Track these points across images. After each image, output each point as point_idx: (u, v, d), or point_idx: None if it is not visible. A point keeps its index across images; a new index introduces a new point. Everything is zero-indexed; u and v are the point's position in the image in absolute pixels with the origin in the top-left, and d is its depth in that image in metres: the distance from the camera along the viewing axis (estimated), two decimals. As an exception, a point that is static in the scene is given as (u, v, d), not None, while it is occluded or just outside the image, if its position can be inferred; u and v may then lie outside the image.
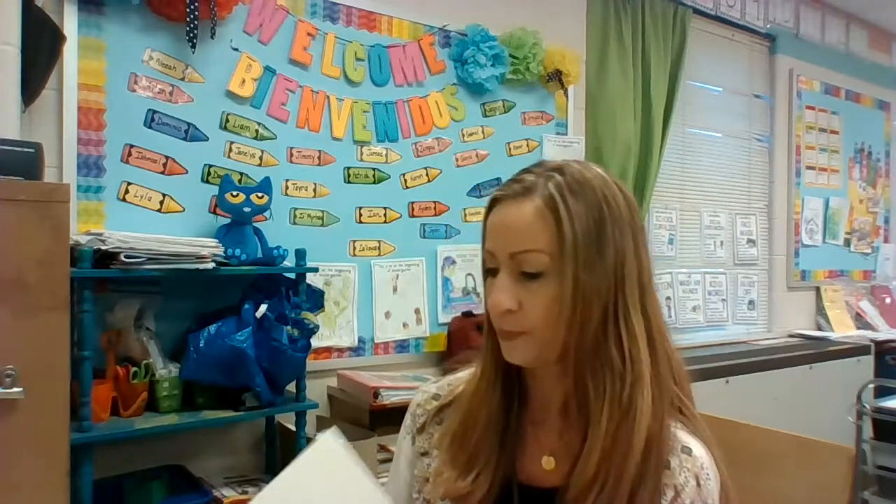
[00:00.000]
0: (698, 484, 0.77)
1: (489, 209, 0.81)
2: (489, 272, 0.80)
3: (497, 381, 0.84)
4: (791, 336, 3.90)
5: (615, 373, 0.75)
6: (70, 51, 1.87)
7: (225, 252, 1.87)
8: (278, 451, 2.11)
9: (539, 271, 0.76)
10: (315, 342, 2.09)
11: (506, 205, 0.79)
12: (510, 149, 2.78)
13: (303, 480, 0.77)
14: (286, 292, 1.94)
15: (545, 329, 0.76)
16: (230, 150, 2.15)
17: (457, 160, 2.63)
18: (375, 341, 2.44)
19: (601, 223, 0.76)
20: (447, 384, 0.94)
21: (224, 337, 1.79)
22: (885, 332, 4.00)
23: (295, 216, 2.27)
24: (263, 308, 1.85)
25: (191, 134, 2.08)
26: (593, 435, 0.75)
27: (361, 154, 2.41)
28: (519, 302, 0.76)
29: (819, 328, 4.08)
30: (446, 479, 0.81)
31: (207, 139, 2.11)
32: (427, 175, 2.56)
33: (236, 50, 2.15)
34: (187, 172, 2.07)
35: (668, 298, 3.42)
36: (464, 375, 0.92)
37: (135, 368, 1.77)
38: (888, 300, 4.41)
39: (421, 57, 2.54)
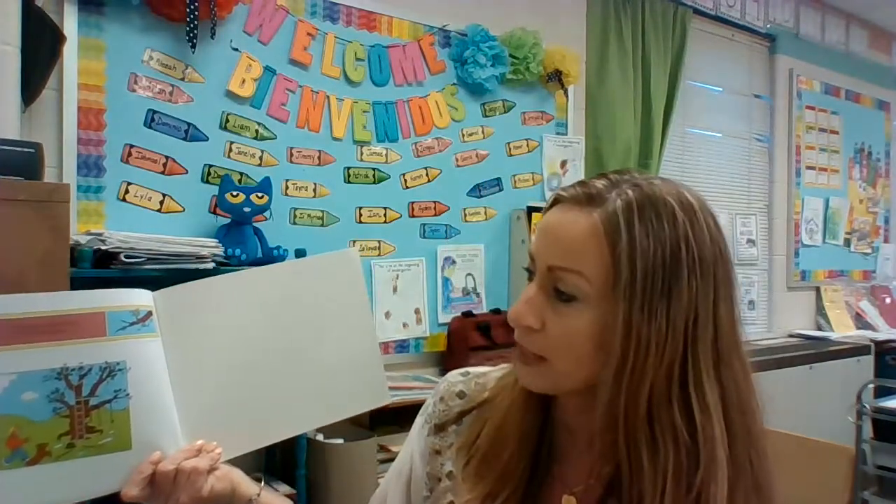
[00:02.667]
0: None
1: (549, 207, 0.70)
2: (529, 274, 0.71)
3: (534, 398, 0.73)
4: (791, 336, 3.90)
5: (680, 446, 0.62)
6: (70, 51, 1.87)
7: (225, 252, 1.87)
8: (278, 450, 2.11)
9: (573, 295, 0.65)
10: (315, 342, 2.09)
11: (563, 209, 0.67)
12: (510, 149, 2.78)
13: (317, 271, 0.90)
14: (286, 292, 1.94)
15: (565, 360, 0.66)
16: (230, 150, 2.15)
17: (457, 160, 2.63)
18: (378, 341, 2.43)
19: (675, 264, 0.62)
20: (474, 382, 0.83)
21: (224, 337, 1.79)
22: (885, 332, 4.00)
23: (295, 216, 2.27)
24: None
25: (191, 134, 2.08)
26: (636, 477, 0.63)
27: (361, 154, 2.41)
28: (543, 321, 0.66)
29: (819, 328, 4.08)
30: (469, 501, 0.73)
31: (207, 139, 2.11)
32: (427, 175, 2.56)
33: (236, 50, 2.15)
34: (187, 172, 2.07)
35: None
36: (494, 374, 0.83)
37: (135, 368, 1.77)
38: (888, 300, 4.41)
39: (421, 57, 2.54)
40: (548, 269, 0.66)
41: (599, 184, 0.67)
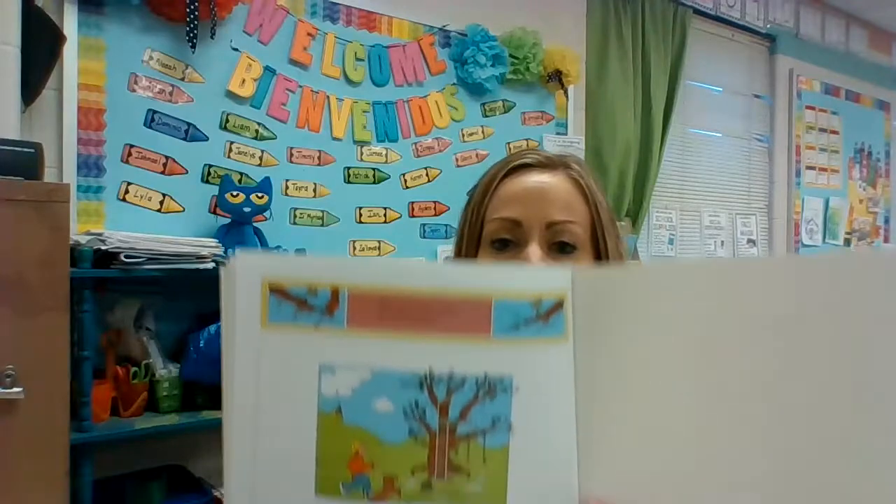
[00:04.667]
0: None
1: (507, 174, 0.74)
2: (497, 244, 0.72)
3: None
4: (791, 336, 3.90)
5: None
6: (70, 51, 1.87)
7: (225, 252, 1.87)
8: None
9: (576, 244, 0.71)
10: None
11: (537, 172, 0.74)
12: (510, 149, 2.78)
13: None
14: (286, 292, 1.94)
15: None
16: (230, 150, 2.15)
17: (457, 160, 2.63)
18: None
19: (612, 215, 0.76)
20: None
21: (224, 337, 1.79)
22: (885, 332, 4.00)
23: (295, 216, 2.27)
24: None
25: (191, 134, 2.08)
26: None
27: (361, 154, 2.41)
28: None
29: (819, 328, 4.07)
30: None
31: (207, 139, 2.11)
32: (427, 175, 2.56)
33: (236, 50, 2.15)
34: (187, 172, 2.07)
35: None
36: None
37: (135, 368, 1.77)
38: (888, 300, 4.40)
39: (421, 57, 2.54)
40: (547, 227, 0.71)
41: (546, 153, 0.77)
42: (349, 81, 2.38)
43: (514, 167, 0.74)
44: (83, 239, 1.71)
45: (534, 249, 0.70)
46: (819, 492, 0.41)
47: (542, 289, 0.49)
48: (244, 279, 0.48)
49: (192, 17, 1.97)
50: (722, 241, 3.70)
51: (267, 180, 2.08)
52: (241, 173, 2.16)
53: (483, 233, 0.73)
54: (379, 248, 2.45)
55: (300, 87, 2.28)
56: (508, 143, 2.78)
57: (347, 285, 0.48)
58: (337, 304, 0.48)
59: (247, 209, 2.01)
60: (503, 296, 0.48)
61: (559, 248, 0.71)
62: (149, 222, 1.98)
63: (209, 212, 2.09)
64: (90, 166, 1.92)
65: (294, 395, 0.48)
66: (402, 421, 0.48)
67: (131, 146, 1.98)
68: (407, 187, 2.51)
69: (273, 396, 0.48)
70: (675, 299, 0.47)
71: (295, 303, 0.48)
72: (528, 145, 2.83)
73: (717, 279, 0.46)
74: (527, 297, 0.49)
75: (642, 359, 0.47)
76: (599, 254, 0.73)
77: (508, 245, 0.71)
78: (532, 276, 0.50)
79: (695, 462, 0.46)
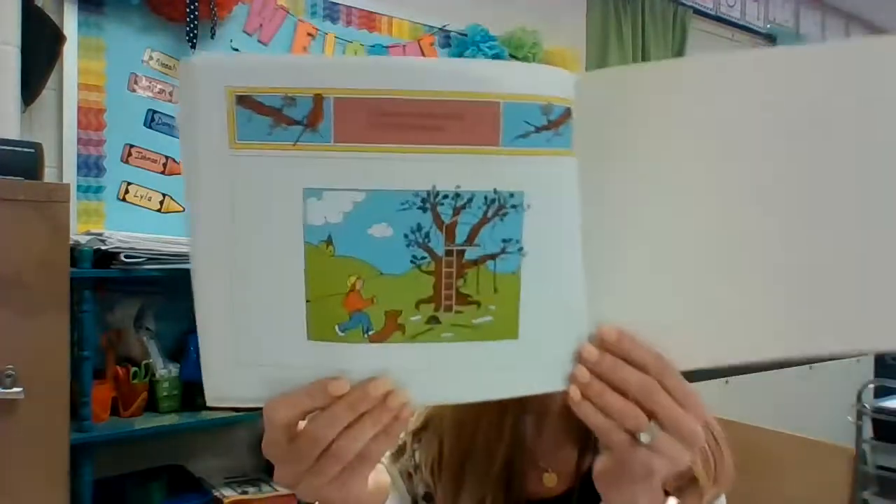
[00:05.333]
0: None
1: None
2: None
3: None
4: (791, 336, 3.89)
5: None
6: (70, 51, 1.87)
7: (225, 252, 1.87)
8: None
9: None
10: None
11: None
12: (510, 149, 2.78)
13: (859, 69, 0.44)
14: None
15: None
16: (230, 150, 2.15)
17: (457, 160, 2.63)
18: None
19: None
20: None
21: (224, 337, 1.79)
22: (885, 332, 3.99)
23: (295, 216, 2.27)
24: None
25: (191, 134, 2.08)
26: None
27: (361, 154, 2.41)
28: None
29: (819, 328, 4.07)
30: None
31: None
32: (427, 175, 2.56)
33: (236, 50, 2.15)
34: (187, 172, 2.07)
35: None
36: None
37: (135, 368, 1.77)
38: (888, 300, 4.40)
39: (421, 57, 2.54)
40: None
41: None
42: (349, 81, 2.38)
43: None
44: (83, 239, 1.70)
45: None
46: (838, 280, 0.43)
47: (550, 93, 0.43)
48: (205, 88, 0.40)
49: (192, 16, 1.97)
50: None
51: (267, 180, 2.08)
52: (241, 173, 2.15)
53: None
54: (379, 248, 2.45)
55: (300, 87, 2.28)
56: (508, 143, 2.77)
57: (333, 91, 0.40)
58: (321, 114, 0.40)
59: (247, 209, 2.01)
60: (512, 98, 0.41)
61: None
62: (149, 222, 1.97)
63: (209, 212, 2.09)
64: (90, 166, 1.92)
65: (274, 227, 0.41)
66: (404, 248, 0.42)
67: (131, 146, 1.98)
68: (407, 187, 2.51)
69: (249, 230, 0.41)
70: (689, 101, 0.44)
71: (269, 115, 0.40)
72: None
73: (733, 75, 0.44)
74: (538, 101, 0.42)
75: (652, 173, 0.44)
76: None
77: None
78: (540, 77, 0.43)
79: (713, 279, 0.45)
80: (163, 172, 2.03)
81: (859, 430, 2.78)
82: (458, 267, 0.43)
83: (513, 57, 2.69)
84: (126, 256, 1.65)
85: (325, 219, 0.41)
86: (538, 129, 0.42)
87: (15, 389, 1.29)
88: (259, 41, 2.20)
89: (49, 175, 1.76)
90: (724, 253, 0.45)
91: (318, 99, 0.40)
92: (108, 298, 1.84)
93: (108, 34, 1.94)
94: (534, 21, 2.77)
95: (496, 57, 2.63)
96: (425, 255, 0.42)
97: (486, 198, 0.42)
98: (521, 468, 0.71)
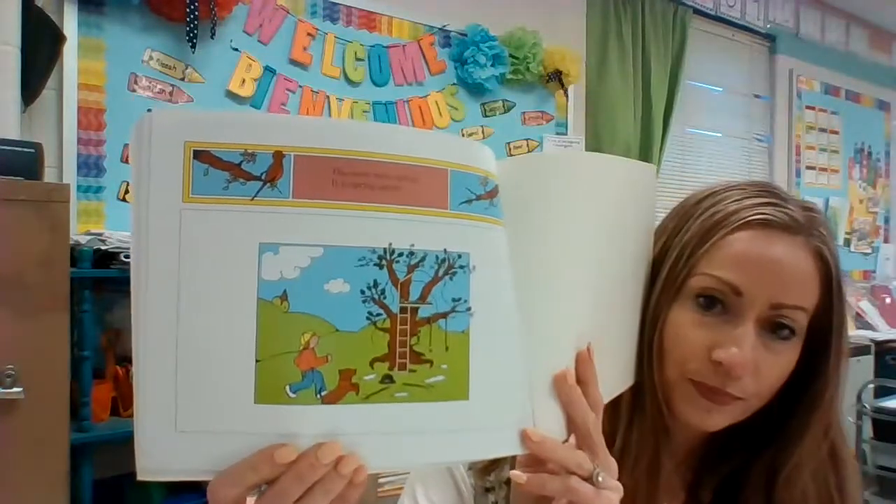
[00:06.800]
0: None
1: (735, 230, 0.61)
2: (705, 303, 0.61)
3: (646, 441, 0.64)
4: (791, 336, 3.89)
5: (839, 465, 0.67)
6: (70, 51, 1.87)
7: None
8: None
9: (794, 331, 0.61)
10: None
11: (775, 237, 0.61)
12: (510, 149, 2.78)
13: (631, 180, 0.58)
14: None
15: (765, 397, 0.62)
16: (230, 150, 2.15)
17: (457, 160, 2.63)
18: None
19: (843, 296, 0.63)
20: None
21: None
22: (885, 332, 3.99)
23: (295, 216, 2.27)
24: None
25: (191, 134, 2.08)
26: None
27: (361, 154, 2.41)
28: (756, 364, 0.60)
29: (819, 328, 4.07)
30: None
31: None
32: (427, 175, 2.56)
33: (236, 50, 2.15)
34: (187, 172, 2.07)
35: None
36: None
37: (135, 368, 1.77)
38: (888, 300, 4.40)
39: (421, 57, 2.54)
40: (771, 307, 0.60)
41: (791, 208, 0.63)
42: (349, 81, 2.38)
43: (752, 222, 0.61)
44: (83, 239, 1.70)
45: (748, 331, 0.59)
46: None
47: (486, 167, 0.46)
48: (161, 143, 0.39)
49: (192, 16, 1.97)
50: (722, 241, 3.70)
51: (267, 180, 2.08)
52: (241, 173, 2.15)
53: (689, 281, 0.61)
54: (379, 248, 2.45)
55: (300, 87, 2.28)
56: (508, 143, 2.78)
57: (294, 148, 0.40)
58: (281, 170, 0.40)
59: (247, 209, 2.01)
60: (458, 167, 0.44)
61: (773, 330, 0.60)
62: (149, 222, 1.97)
63: (209, 212, 2.09)
64: (90, 166, 1.92)
65: (226, 282, 0.40)
66: (360, 304, 0.41)
67: (131, 146, 1.98)
68: (407, 187, 2.51)
69: (198, 286, 0.39)
70: (575, 189, 0.51)
71: (227, 170, 0.39)
72: (528, 145, 2.83)
73: (602, 166, 0.56)
74: (477, 172, 0.45)
75: (558, 241, 0.49)
76: (818, 346, 0.62)
77: (716, 307, 0.61)
78: (479, 152, 0.46)
79: (597, 326, 0.53)
80: (163, 172, 2.03)
81: (859, 430, 2.78)
82: (412, 325, 0.43)
83: (513, 57, 2.70)
84: (126, 256, 1.65)
85: (280, 274, 0.40)
86: (478, 198, 0.45)
87: (15, 389, 1.29)
88: (259, 41, 2.20)
89: (49, 175, 1.76)
90: (605, 304, 0.54)
91: (279, 155, 0.40)
92: (108, 298, 1.83)
93: (108, 34, 1.94)
94: (534, 21, 2.77)
95: (496, 57, 2.64)
96: (381, 311, 0.42)
97: (437, 257, 0.43)
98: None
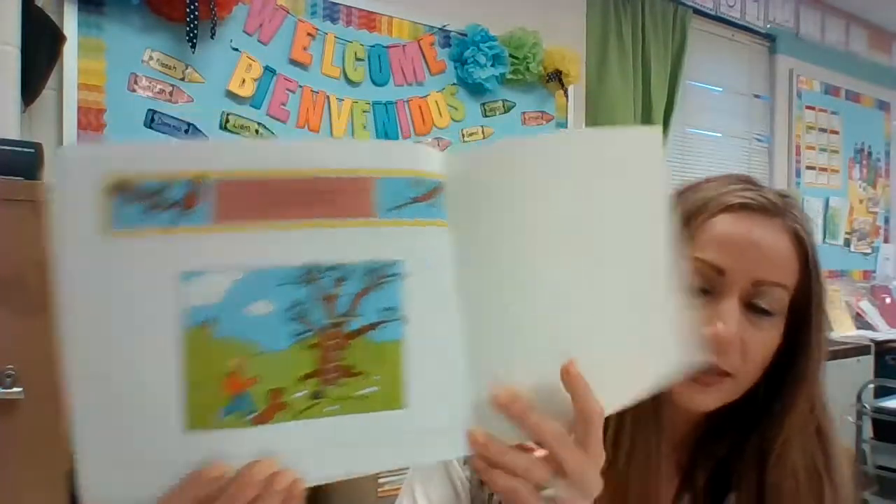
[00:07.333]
0: None
1: (715, 213, 0.65)
2: (700, 288, 0.64)
3: (641, 428, 0.66)
4: (791, 336, 3.89)
5: (826, 442, 0.69)
6: (70, 51, 1.87)
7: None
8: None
9: (774, 311, 0.64)
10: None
11: (754, 219, 0.64)
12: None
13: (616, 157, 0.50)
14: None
15: (752, 373, 0.65)
16: (230, 150, 2.15)
17: (457, 160, 2.63)
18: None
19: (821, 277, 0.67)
20: None
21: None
22: (885, 332, 4.00)
23: (295, 216, 2.27)
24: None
25: (191, 134, 2.08)
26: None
27: (361, 154, 2.41)
28: (741, 338, 0.63)
29: (819, 328, 4.07)
30: None
31: (207, 139, 2.11)
32: (427, 175, 2.56)
33: (236, 50, 2.15)
34: (187, 172, 2.07)
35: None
36: None
37: (135, 368, 1.77)
38: (888, 300, 4.41)
39: (421, 57, 2.54)
40: (753, 284, 0.63)
41: (769, 195, 0.66)
42: (349, 81, 2.38)
43: (732, 205, 0.65)
44: (83, 239, 1.71)
45: (731, 307, 0.62)
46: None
47: (422, 168, 0.45)
48: (78, 177, 0.39)
49: (192, 17, 1.97)
50: (722, 241, 3.70)
51: (267, 180, 2.08)
52: (241, 173, 2.15)
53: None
54: (379, 248, 2.45)
55: (300, 87, 2.28)
56: (508, 143, 2.77)
57: (213, 173, 0.40)
58: (197, 196, 0.40)
59: (247, 209, 2.01)
60: (385, 173, 0.43)
61: (755, 307, 0.64)
62: (149, 222, 1.97)
63: (209, 212, 2.09)
64: (90, 166, 1.92)
65: (149, 314, 0.40)
66: (286, 323, 0.42)
67: (131, 146, 1.98)
68: (407, 187, 2.51)
69: (123, 319, 0.40)
70: (532, 182, 0.47)
71: (145, 200, 0.40)
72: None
73: (556, 151, 0.48)
74: (409, 175, 0.44)
75: (514, 242, 0.47)
76: (799, 323, 0.66)
77: (703, 292, 0.64)
78: (412, 154, 0.45)
79: (555, 335, 0.47)
80: (163, 172, 2.03)
81: (859, 430, 2.78)
82: (341, 338, 0.43)
83: (513, 57, 2.70)
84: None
85: (203, 300, 0.40)
86: (413, 201, 0.44)
87: (15, 389, 1.28)
88: (259, 41, 2.20)
89: (49, 175, 1.76)
90: (574, 303, 0.48)
91: (197, 181, 0.40)
92: (108, 298, 1.84)
93: (108, 34, 1.94)
94: (534, 21, 2.77)
95: (496, 57, 2.64)
96: (307, 329, 0.42)
97: (364, 268, 0.43)
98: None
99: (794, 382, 0.67)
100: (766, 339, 0.64)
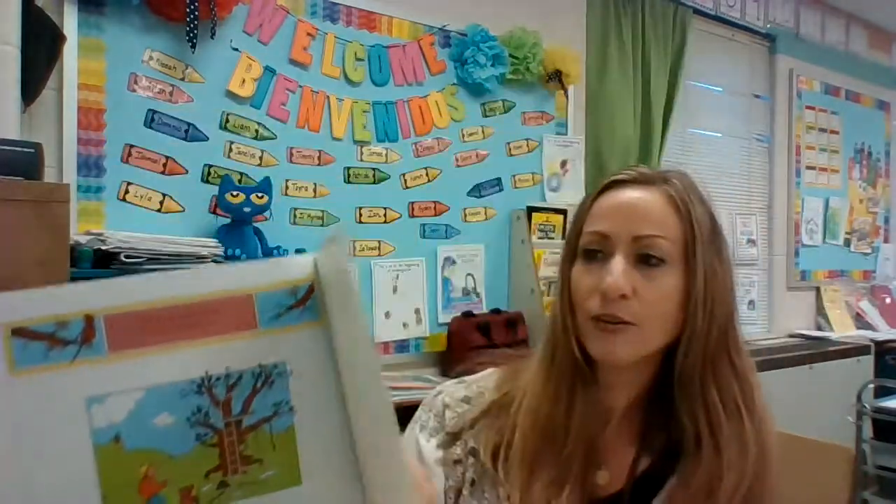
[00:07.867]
0: None
1: (600, 192, 0.79)
2: (588, 255, 0.76)
3: (577, 385, 0.76)
4: (791, 336, 3.90)
5: (741, 379, 0.75)
6: (70, 51, 1.87)
7: (225, 252, 1.87)
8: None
9: (662, 258, 0.73)
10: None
11: (630, 188, 0.77)
12: (510, 149, 2.78)
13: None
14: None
15: (654, 321, 0.73)
16: (230, 150, 2.15)
17: (457, 160, 2.63)
18: (375, 341, 2.44)
19: (716, 231, 0.77)
20: (475, 386, 0.85)
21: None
22: (885, 332, 4.00)
23: (295, 216, 2.27)
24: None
25: (191, 134, 2.08)
26: (714, 441, 0.73)
27: (361, 154, 2.41)
28: (633, 288, 0.72)
29: (819, 328, 4.08)
30: (538, 500, 0.74)
31: (207, 139, 2.11)
32: (427, 175, 2.56)
33: (236, 50, 2.15)
34: (187, 172, 2.07)
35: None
36: (489, 378, 0.86)
37: (135, 368, 1.77)
38: (888, 300, 4.41)
39: (421, 57, 2.54)
40: (633, 240, 0.74)
41: (645, 171, 0.78)
42: (349, 81, 2.38)
43: (610, 183, 0.78)
44: (83, 239, 1.71)
45: (617, 261, 0.73)
46: None
47: (295, 277, 0.51)
48: None
49: (192, 17, 1.97)
50: (722, 241, 3.70)
51: (267, 180, 2.08)
52: (241, 173, 2.16)
53: (579, 244, 0.77)
54: (379, 248, 2.45)
55: (300, 87, 2.28)
56: (508, 143, 2.78)
57: (102, 310, 0.46)
58: (93, 331, 0.45)
59: (247, 209, 2.01)
60: (263, 289, 0.50)
61: (645, 261, 0.73)
62: (149, 222, 1.97)
63: (209, 212, 2.09)
64: (90, 166, 1.92)
65: (62, 438, 0.45)
66: (188, 429, 0.47)
67: (131, 146, 1.98)
68: (407, 187, 2.51)
69: (37, 447, 0.44)
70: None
71: (44, 340, 0.44)
72: (528, 145, 2.83)
73: None
74: (285, 286, 0.50)
75: (361, 329, 0.52)
76: (694, 268, 0.74)
77: (597, 256, 0.75)
78: (284, 267, 0.51)
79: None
80: (163, 172, 2.03)
81: (859, 430, 2.77)
82: (239, 434, 0.49)
83: (513, 57, 2.70)
84: (126, 256, 1.66)
85: (110, 420, 0.45)
86: (289, 309, 0.50)
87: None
88: (259, 41, 2.20)
89: (49, 175, 1.76)
90: None
91: (89, 319, 0.45)
92: (108, 298, 1.83)
93: (108, 34, 1.94)
94: (534, 21, 2.77)
95: (496, 57, 2.64)
96: (208, 430, 0.48)
97: (253, 373, 0.49)
98: (591, 459, 0.77)
99: (693, 315, 0.74)
100: (661, 287, 0.73)
